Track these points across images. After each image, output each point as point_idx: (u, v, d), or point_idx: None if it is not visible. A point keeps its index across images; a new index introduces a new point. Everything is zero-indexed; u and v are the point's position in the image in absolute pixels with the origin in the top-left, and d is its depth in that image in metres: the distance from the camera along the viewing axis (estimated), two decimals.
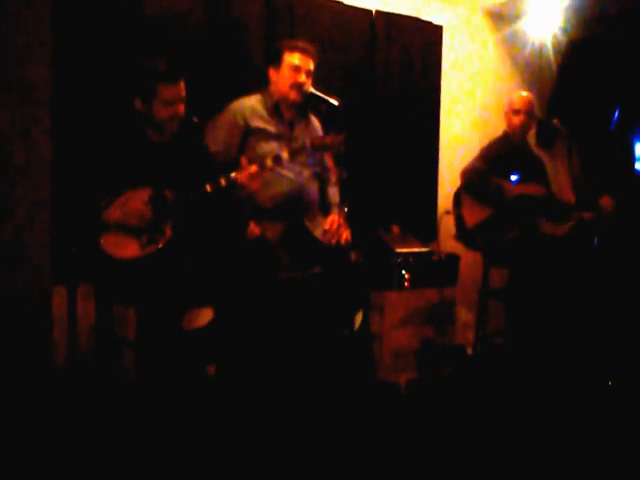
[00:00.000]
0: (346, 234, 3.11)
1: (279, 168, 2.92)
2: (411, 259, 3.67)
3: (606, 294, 3.54)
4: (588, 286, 3.51)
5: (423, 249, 3.79)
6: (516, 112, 3.81)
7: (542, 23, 4.44)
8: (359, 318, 3.17)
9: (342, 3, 3.85)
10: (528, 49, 4.58)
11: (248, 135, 3.03)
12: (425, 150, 4.33)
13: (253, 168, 2.70)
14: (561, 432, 2.86)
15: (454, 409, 3.15)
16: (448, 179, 4.27)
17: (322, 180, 3.27)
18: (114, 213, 2.59)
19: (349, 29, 3.88)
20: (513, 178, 3.73)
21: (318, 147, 2.93)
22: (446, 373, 3.70)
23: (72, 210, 2.68)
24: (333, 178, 3.31)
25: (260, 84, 3.19)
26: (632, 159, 4.37)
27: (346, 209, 3.17)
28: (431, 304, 3.73)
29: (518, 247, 3.61)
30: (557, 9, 4.30)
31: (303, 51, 3.05)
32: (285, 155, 2.79)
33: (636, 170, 4.35)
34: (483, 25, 4.60)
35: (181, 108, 2.70)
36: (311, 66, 3.07)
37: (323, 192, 3.27)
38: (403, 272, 3.62)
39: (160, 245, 2.58)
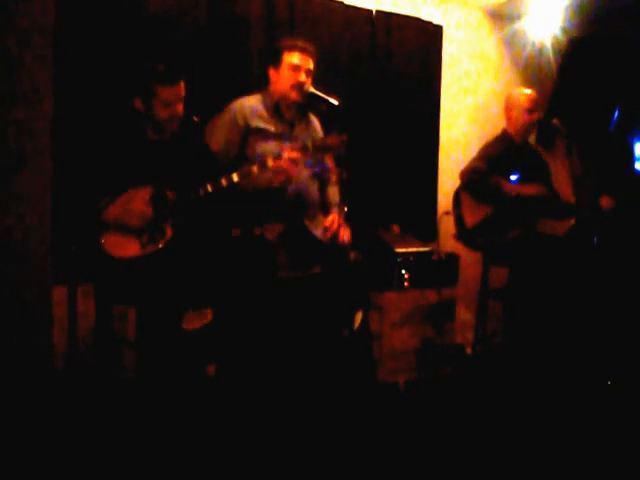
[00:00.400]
0: (346, 234, 3.11)
1: None
2: (411, 259, 3.67)
3: (606, 294, 3.54)
4: (588, 286, 3.51)
5: (423, 249, 3.79)
6: (531, 111, 3.78)
7: (542, 23, 4.45)
8: (359, 318, 3.17)
9: (342, 3, 3.85)
10: (528, 49, 4.58)
11: (248, 135, 3.03)
12: (425, 150, 4.33)
13: (294, 154, 2.76)
14: (561, 432, 2.86)
15: (454, 409, 3.16)
16: (448, 179, 4.27)
17: (322, 180, 3.27)
18: (114, 212, 2.59)
19: (349, 29, 3.88)
20: (513, 178, 3.73)
21: (319, 148, 2.93)
22: (446, 373, 3.70)
23: (72, 209, 2.68)
24: (333, 178, 3.32)
25: (260, 84, 3.19)
26: (632, 159, 4.37)
27: (346, 209, 3.18)
28: (431, 304, 3.74)
29: (518, 247, 3.61)
30: (557, 9, 4.30)
31: (302, 50, 3.04)
32: (286, 155, 2.79)
33: (636, 170, 4.35)
34: (483, 25, 4.61)
35: (180, 107, 2.70)
36: (311, 65, 3.07)
37: (323, 192, 3.28)
38: (403, 272, 3.63)
39: (160, 245, 2.59)
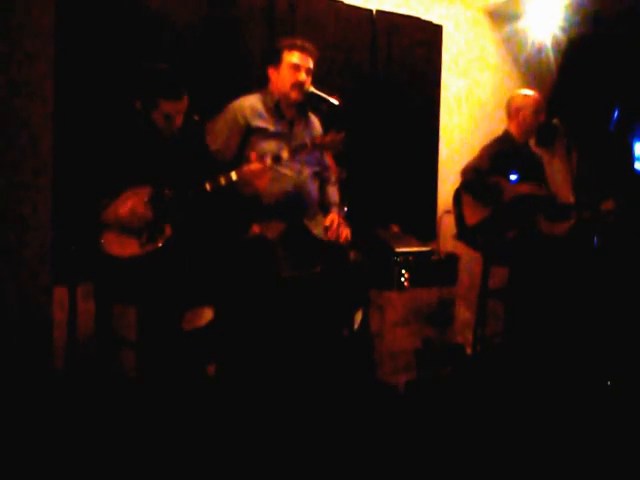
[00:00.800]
0: (346, 233, 3.11)
1: (279, 167, 2.92)
2: (411, 258, 3.67)
3: (606, 294, 3.54)
4: (588, 285, 3.51)
5: (423, 249, 3.79)
6: (538, 112, 3.79)
7: (542, 23, 4.45)
8: (359, 317, 3.18)
9: (343, 2, 3.85)
10: (528, 49, 4.58)
11: (248, 134, 3.03)
12: (425, 150, 4.33)
13: (257, 165, 2.70)
14: (560, 431, 2.86)
15: (453, 409, 3.15)
16: (448, 179, 4.27)
17: (322, 179, 3.27)
18: (114, 212, 2.59)
19: (350, 29, 3.88)
20: (512, 177, 3.73)
21: (318, 146, 2.93)
22: (445, 373, 3.70)
23: (72, 209, 2.68)
24: (333, 177, 3.32)
25: (260, 83, 3.19)
26: (632, 159, 4.37)
27: (346, 208, 3.18)
28: (431, 304, 3.73)
29: (518, 246, 3.61)
30: (557, 8, 4.30)
31: (302, 49, 3.05)
32: (285, 154, 2.79)
33: (636, 170, 4.35)
34: (483, 25, 4.61)
35: (180, 119, 2.71)
36: (310, 64, 3.07)
37: (323, 191, 3.28)
38: (403, 271, 3.62)
39: (160, 244, 2.59)
